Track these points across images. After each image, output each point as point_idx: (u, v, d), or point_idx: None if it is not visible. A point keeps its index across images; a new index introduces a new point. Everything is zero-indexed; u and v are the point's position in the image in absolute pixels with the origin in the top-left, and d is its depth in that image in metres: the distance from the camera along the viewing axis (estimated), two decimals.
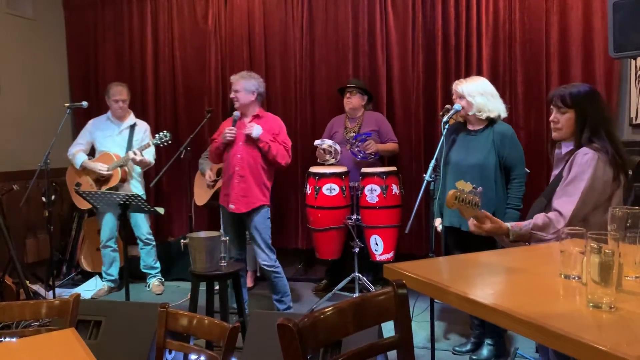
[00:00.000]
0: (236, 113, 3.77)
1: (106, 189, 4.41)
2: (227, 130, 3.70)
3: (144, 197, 4.68)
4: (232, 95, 3.79)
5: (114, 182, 4.52)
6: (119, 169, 4.52)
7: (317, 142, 4.38)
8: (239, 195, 3.73)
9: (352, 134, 4.41)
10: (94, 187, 4.55)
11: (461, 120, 3.28)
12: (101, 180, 4.56)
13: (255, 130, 3.66)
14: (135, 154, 4.41)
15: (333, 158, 4.33)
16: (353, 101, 4.47)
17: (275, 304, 3.89)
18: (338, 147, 4.32)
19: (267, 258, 3.78)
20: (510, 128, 3.14)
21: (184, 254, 3.34)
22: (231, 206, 3.76)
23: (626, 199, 2.22)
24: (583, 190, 2.10)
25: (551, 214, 2.14)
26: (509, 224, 2.15)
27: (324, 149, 4.34)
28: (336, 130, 4.57)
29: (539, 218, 2.14)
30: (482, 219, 2.13)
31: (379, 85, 4.79)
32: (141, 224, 4.73)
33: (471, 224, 2.16)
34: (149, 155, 4.58)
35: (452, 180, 3.14)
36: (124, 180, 4.57)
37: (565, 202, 2.13)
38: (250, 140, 3.70)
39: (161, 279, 4.87)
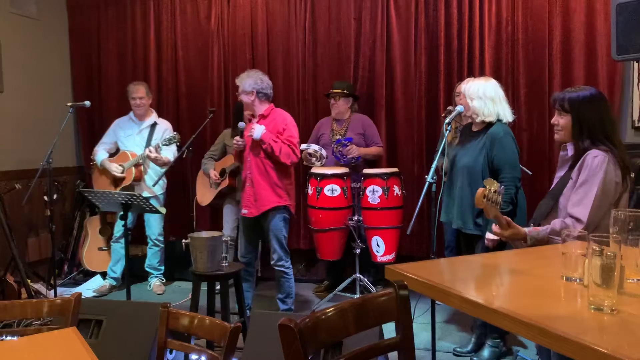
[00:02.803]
0: (241, 124, 3.73)
1: (120, 189, 4.45)
2: (235, 141, 3.73)
3: (162, 196, 4.74)
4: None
5: (127, 182, 4.56)
6: (133, 168, 4.55)
7: (303, 146, 4.37)
8: (251, 199, 3.74)
9: (339, 137, 4.44)
10: (111, 187, 4.60)
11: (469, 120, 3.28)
12: (117, 179, 4.60)
13: (256, 132, 3.63)
14: (150, 151, 4.43)
15: (319, 162, 4.35)
16: (339, 106, 4.50)
17: (277, 302, 3.89)
18: (324, 152, 4.35)
19: (279, 258, 3.77)
20: (504, 130, 3.02)
21: (186, 253, 3.35)
22: (244, 211, 3.78)
23: (629, 202, 2.21)
24: (596, 195, 2.10)
25: (568, 220, 2.15)
26: (526, 229, 2.17)
27: (309, 153, 4.36)
28: (323, 132, 4.59)
29: (557, 223, 2.16)
30: (502, 224, 2.16)
31: (381, 86, 4.79)
32: (153, 223, 4.75)
33: (494, 229, 2.21)
34: (168, 154, 4.56)
35: (452, 181, 3.15)
36: (138, 179, 4.59)
37: (580, 206, 2.13)
38: (255, 142, 3.68)
39: (162, 279, 4.89)
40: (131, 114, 4.79)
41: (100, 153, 4.75)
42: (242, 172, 3.87)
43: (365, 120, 4.59)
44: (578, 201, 2.14)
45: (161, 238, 4.83)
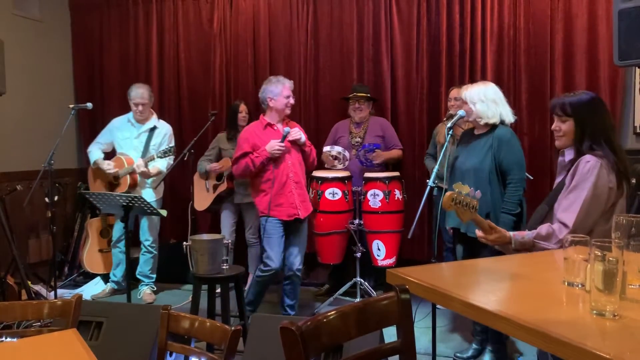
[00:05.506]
0: (286, 129, 3.71)
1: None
2: (279, 147, 3.62)
3: (160, 203, 4.63)
4: None
5: (123, 189, 4.45)
6: (127, 176, 4.44)
7: (326, 148, 4.34)
8: (299, 201, 3.75)
9: (358, 139, 4.43)
10: (105, 191, 4.52)
11: (472, 125, 3.30)
12: (113, 184, 4.54)
13: (302, 135, 3.78)
14: (139, 166, 4.35)
15: (341, 164, 4.31)
16: (363, 110, 4.49)
17: (287, 310, 3.82)
18: (347, 154, 4.31)
19: (302, 262, 3.83)
20: (509, 132, 3.09)
21: (186, 256, 3.34)
22: (297, 213, 3.72)
23: (630, 207, 2.21)
24: (585, 200, 2.09)
25: (555, 225, 2.14)
26: (511, 233, 2.16)
27: (333, 156, 4.32)
28: (341, 135, 4.56)
29: (543, 228, 2.15)
30: (485, 228, 2.15)
31: (382, 90, 4.79)
32: (148, 229, 4.62)
33: (478, 234, 2.21)
34: (161, 165, 4.48)
35: (452, 184, 3.15)
36: (133, 186, 4.49)
37: (568, 212, 2.12)
38: (296, 145, 3.76)
39: (153, 288, 4.72)
40: (130, 115, 4.63)
41: (95, 152, 4.61)
42: (276, 176, 3.68)
43: (384, 123, 4.59)
44: (567, 206, 2.14)
45: (155, 245, 4.68)
